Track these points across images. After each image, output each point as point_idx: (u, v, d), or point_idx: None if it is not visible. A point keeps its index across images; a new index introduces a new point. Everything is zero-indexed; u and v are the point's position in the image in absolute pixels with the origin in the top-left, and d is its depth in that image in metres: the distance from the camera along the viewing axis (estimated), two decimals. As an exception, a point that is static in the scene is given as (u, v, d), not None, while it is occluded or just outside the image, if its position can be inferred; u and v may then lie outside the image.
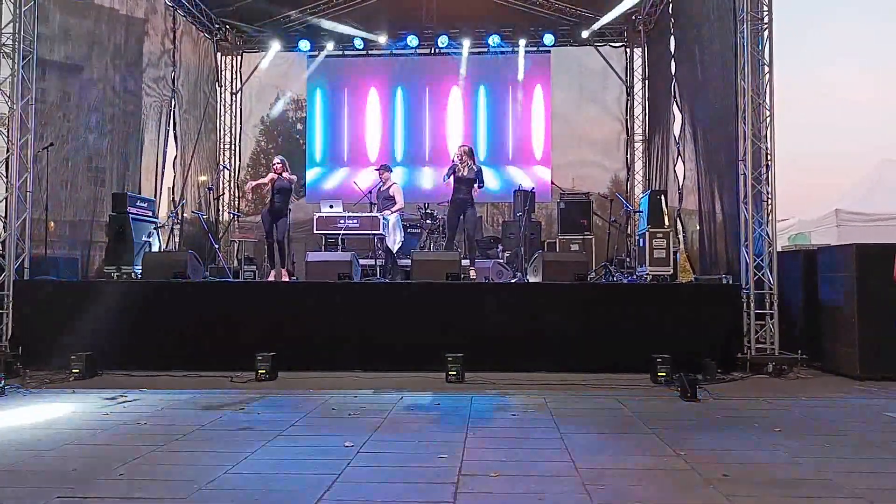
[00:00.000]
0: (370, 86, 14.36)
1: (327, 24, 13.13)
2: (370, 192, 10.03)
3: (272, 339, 7.15)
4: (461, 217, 9.39)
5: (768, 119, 7.42)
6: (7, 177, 7.73)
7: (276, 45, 13.96)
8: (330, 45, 13.83)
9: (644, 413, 5.31)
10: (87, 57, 9.90)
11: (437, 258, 8.44)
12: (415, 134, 14.29)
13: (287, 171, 9.45)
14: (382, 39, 13.67)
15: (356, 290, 7.71)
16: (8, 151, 7.76)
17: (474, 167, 9.39)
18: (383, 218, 9.31)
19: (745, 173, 7.41)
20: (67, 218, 9.45)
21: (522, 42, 13.56)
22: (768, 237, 7.37)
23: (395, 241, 9.71)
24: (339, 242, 9.52)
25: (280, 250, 9.31)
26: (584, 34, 13.38)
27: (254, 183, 9.67)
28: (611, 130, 14.10)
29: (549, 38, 13.40)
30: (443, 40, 13.57)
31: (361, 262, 9.50)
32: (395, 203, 9.66)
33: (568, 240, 11.75)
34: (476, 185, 9.36)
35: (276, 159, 9.53)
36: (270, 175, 9.45)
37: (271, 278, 9.23)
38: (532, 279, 8.37)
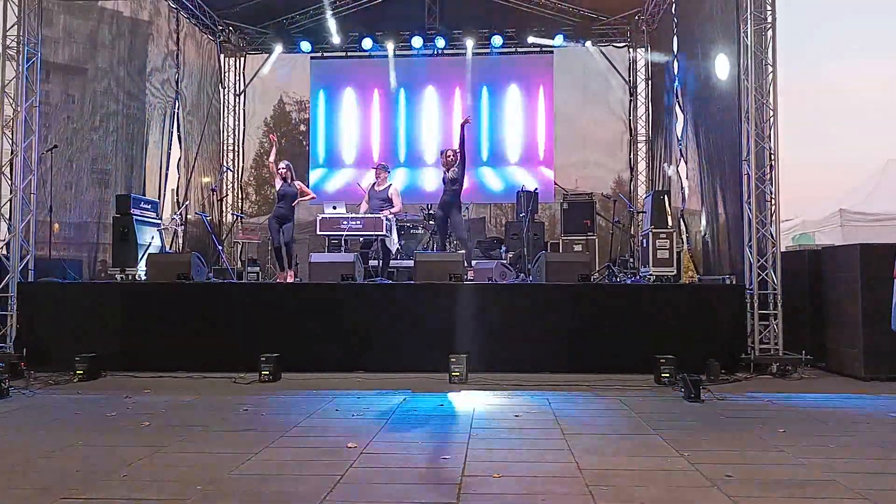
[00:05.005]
0: (373, 87, 14.37)
1: (332, 26, 13.15)
2: (365, 190, 9.94)
3: (276, 340, 7.17)
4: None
5: (772, 119, 7.41)
6: (12, 179, 7.76)
7: (279, 47, 13.99)
8: (334, 45, 13.83)
9: (648, 414, 5.31)
10: (91, 59, 9.94)
11: (440, 259, 8.42)
12: (417, 135, 14.30)
13: (292, 176, 9.46)
14: (389, 45, 13.70)
15: (359, 291, 7.72)
16: (12, 153, 7.79)
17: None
18: (385, 218, 9.27)
19: (748, 173, 7.39)
20: (72, 220, 9.50)
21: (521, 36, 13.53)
22: (772, 237, 7.35)
23: (394, 241, 9.65)
24: (343, 243, 9.50)
25: (287, 253, 9.35)
26: (587, 44, 13.41)
27: (273, 164, 9.61)
28: (614, 131, 14.10)
29: (558, 39, 13.34)
30: (445, 42, 13.57)
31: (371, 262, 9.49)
32: (395, 205, 9.62)
33: (571, 240, 11.72)
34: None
35: (282, 164, 9.50)
36: (278, 181, 9.44)
37: (280, 281, 9.26)
38: (535, 280, 8.35)
